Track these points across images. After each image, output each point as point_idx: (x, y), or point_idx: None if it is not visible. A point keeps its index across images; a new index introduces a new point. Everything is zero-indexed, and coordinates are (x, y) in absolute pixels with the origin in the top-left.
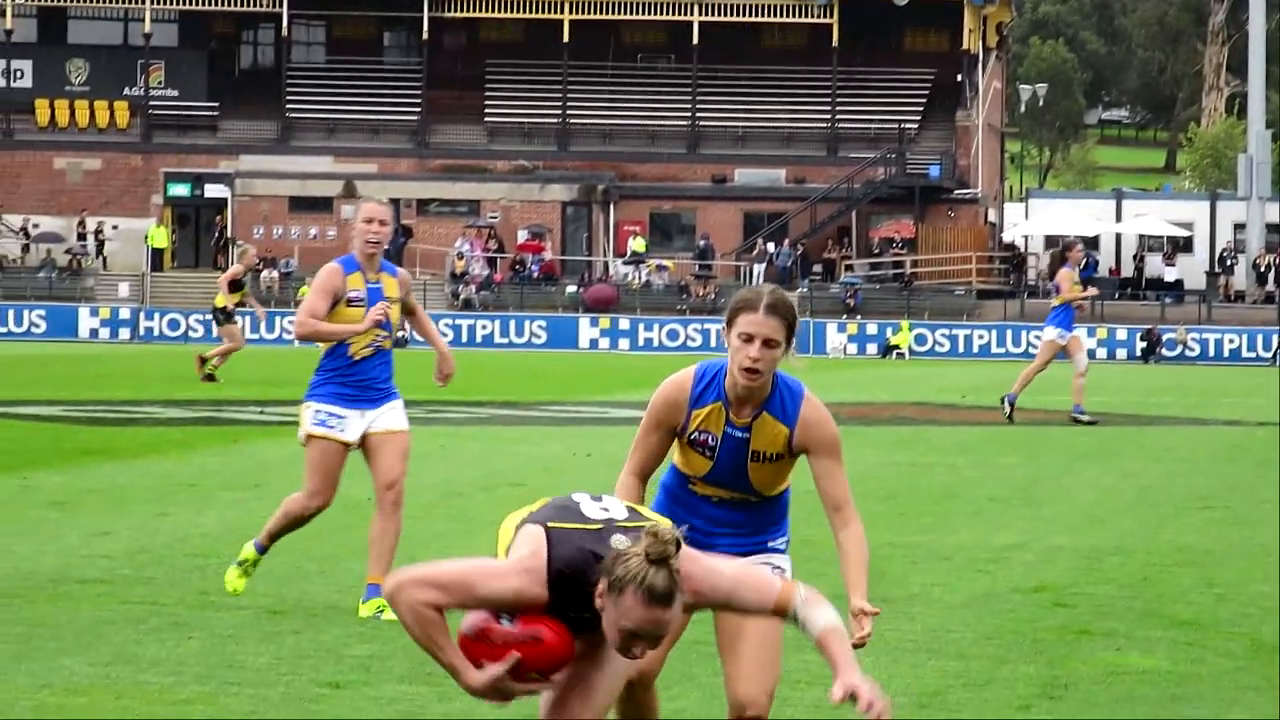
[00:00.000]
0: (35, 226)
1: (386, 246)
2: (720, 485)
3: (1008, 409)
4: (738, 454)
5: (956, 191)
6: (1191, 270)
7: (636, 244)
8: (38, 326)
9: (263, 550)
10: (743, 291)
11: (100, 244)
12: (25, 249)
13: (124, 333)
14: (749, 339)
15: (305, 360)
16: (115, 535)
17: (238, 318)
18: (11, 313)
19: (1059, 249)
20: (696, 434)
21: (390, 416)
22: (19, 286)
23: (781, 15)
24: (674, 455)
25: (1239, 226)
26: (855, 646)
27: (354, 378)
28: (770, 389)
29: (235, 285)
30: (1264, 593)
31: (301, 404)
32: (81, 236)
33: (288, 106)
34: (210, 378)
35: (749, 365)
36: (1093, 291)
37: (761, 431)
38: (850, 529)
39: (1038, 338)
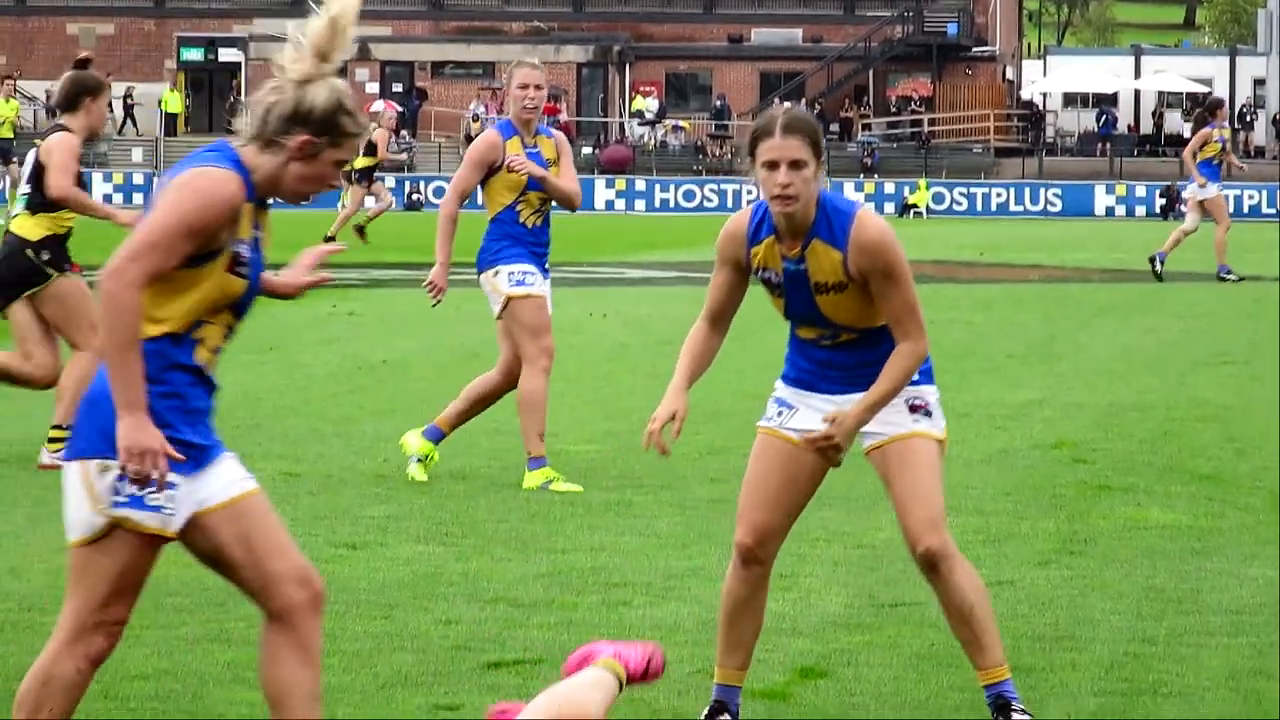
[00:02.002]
0: (50, 95)
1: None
2: (807, 323)
3: (1234, 278)
4: (801, 288)
5: (974, 49)
6: None
7: (639, 103)
8: None
9: (439, 439)
10: (757, 120)
11: (130, 109)
12: (50, 114)
13: (138, 198)
14: (773, 165)
15: (325, 226)
16: None
17: (379, 178)
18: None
19: (1204, 107)
20: (761, 272)
21: (547, 293)
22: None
23: None
24: None
25: (1259, 82)
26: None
27: (533, 241)
28: (815, 214)
29: (371, 149)
30: None
31: (483, 274)
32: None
33: None
34: (360, 230)
35: (779, 193)
36: (1201, 179)
37: (816, 260)
38: (899, 347)
39: (1056, 195)
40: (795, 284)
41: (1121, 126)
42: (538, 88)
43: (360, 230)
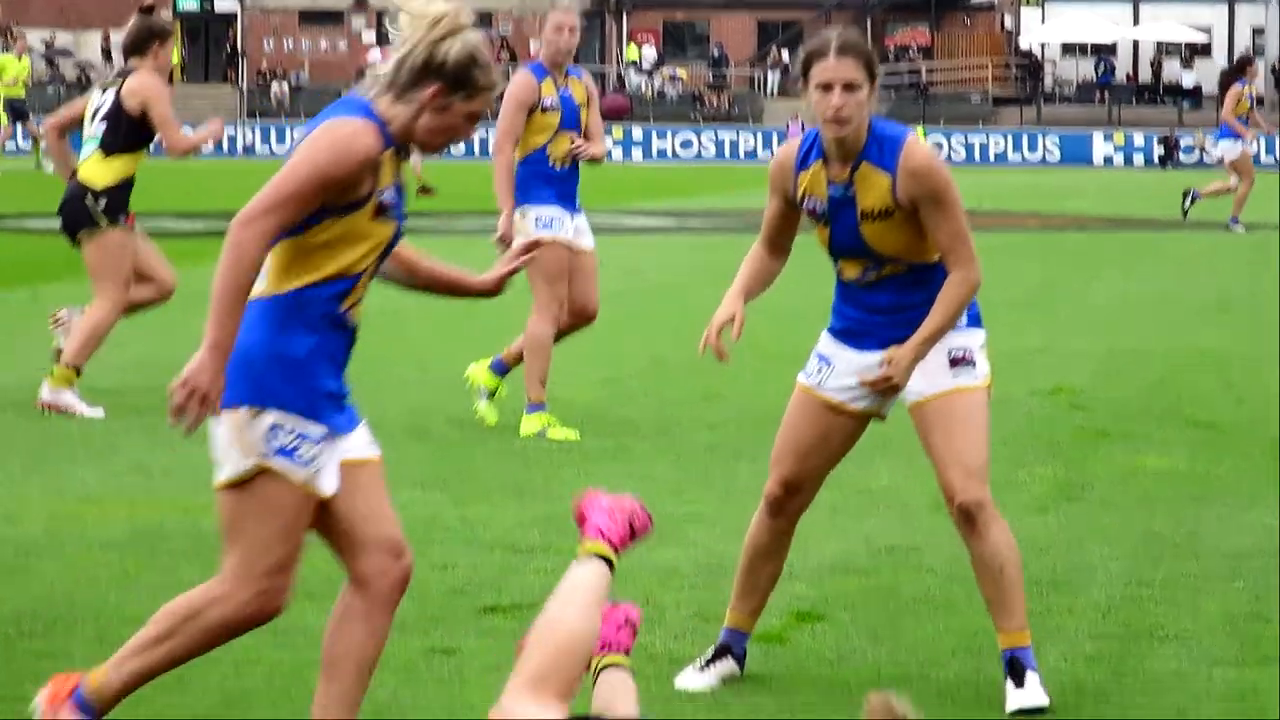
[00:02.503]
0: (51, 44)
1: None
2: (850, 255)
3: (1240, 229)
4: (847, 216)
5: None
6: (1209, 75)
7: (634, 53)
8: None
9: (504, 372)
10: (810, 42)
11: None
12: (50, 62)
13: None
14: (827, 87)
15: None
16: (126, 346)
17: None
18: (19, 128)
19: (1235, 64)
20: (805, 201)
21: (586, 232)
22: (28, 103)
23: None
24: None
25: (1257, 31)
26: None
27: (562, 182)
28: (866, 138)
29: None
30: None
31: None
32: (107, 53)
33: None
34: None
35: (832, 115)
36: (1251, 131)
37: (864, 185)
38: (950, 277)
39: (1054, 144)
40: (841, 211)
41: (1120, 75)
42: (571, 30)
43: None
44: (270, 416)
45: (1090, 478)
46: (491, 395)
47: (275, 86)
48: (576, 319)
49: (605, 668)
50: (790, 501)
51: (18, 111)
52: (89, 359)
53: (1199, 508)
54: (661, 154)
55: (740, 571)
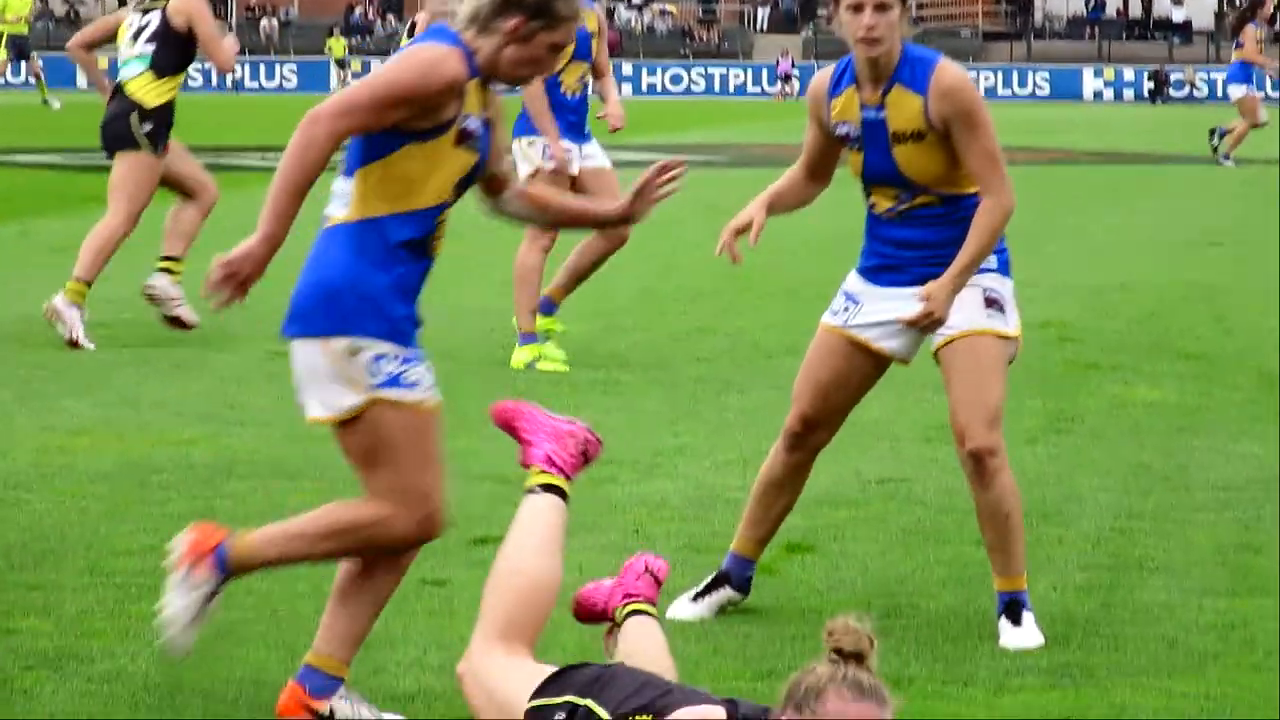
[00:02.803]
0: None
1: None
2: (882, 182)
3: (1230, 164)
4: (879, 139)
5: None
6: (1200, 10)
7: None
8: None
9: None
10: None
11: None
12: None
13: None
14: (858, 8)
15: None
16: (116, 280)
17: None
18: (23, 64)
19: (1247, 4)
20: (838, 127)
21: (599, 154)
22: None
23: None
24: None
25: None
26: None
27: (572, 111)
28: (897, 61)
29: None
30: (1271, 327)
31: (517, 139)
32: None
33: None
34: None
35: (864, 35)
36: (1274, 64)
37: (895, 107)
38: (983, 204)
39: (1044, 79)
40: (873, 135)
41: (1110, 10)
42: None
43: None
44: (369, 349)
45: (1080, 410)
46: (546, 338)
47: (264, 22)
48: (612, 241)
49: (631, 614)
50: (808, 437)
51: (20, 49)
52: (98, 274)
53: (1189, 439)
54: (651, 89)
55: (751, 500)
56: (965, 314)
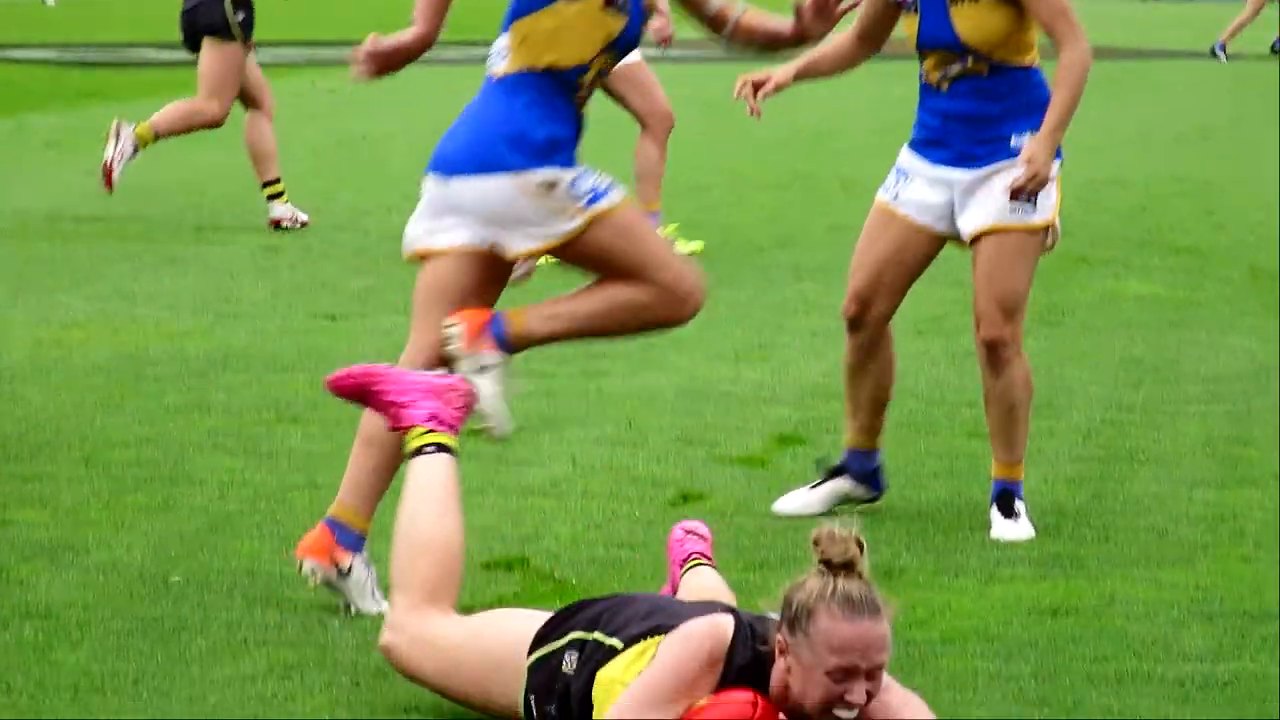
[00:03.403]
0: None
1: None
2: (935, 47)
3: (1223, 59)
4: (937, 2)
5: None
6: None
7: None
8: None
9: None
10: None
11: None
12: None
13: None
14: None
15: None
16: None
17: None
18: None
19: None
20: None
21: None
22: None
23: None
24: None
25: None
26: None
27: None
28: None
29: None
30: (1262, 221)
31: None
32: None
33: None
34: None
35: None
36: None
37: None
38: (1060, 57)
39: None
40: None
41: None
42: None
43: None
44: (562, 177)
45: (1071, 303)
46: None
47: None
48: (665, 125)
49: (693, 568)
50: (864, 316)
51: None
52: (170, 135)
53: (1179, 332)
54: None
55: (845, 392)
56: (993, 207)
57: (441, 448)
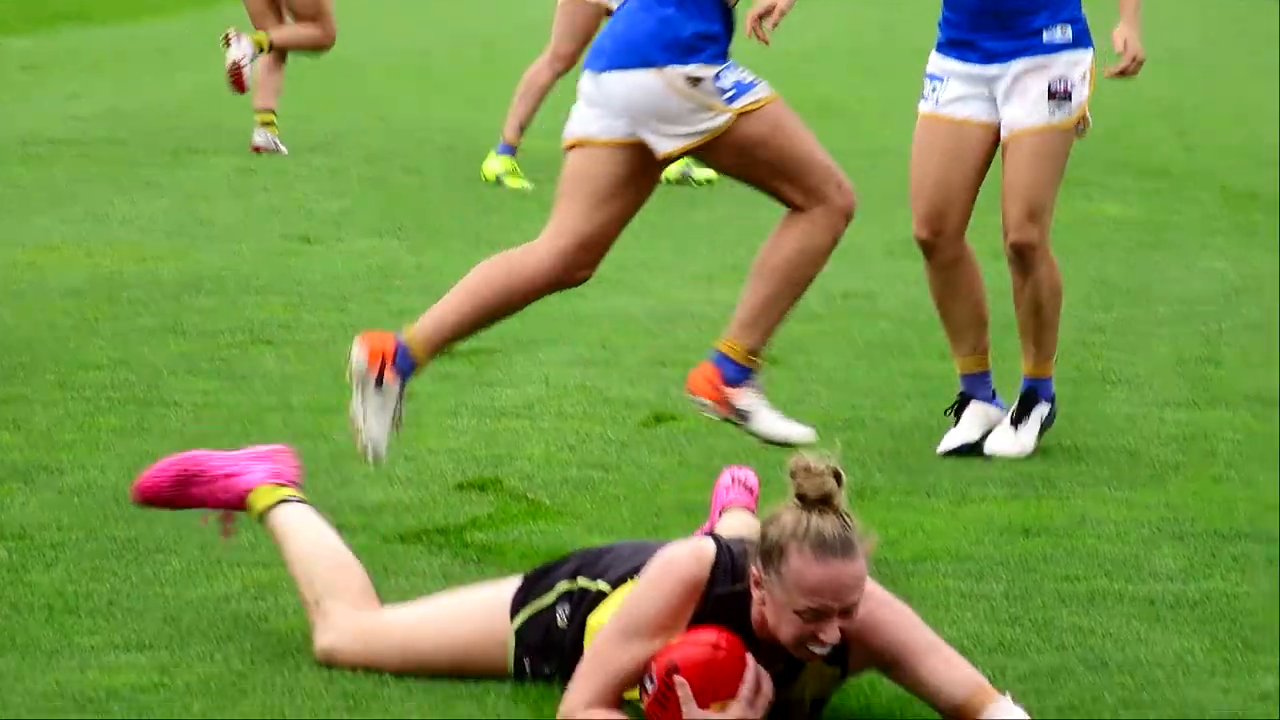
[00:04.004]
0: None
1: None
2: None
3: None
4: None
5: None
6: None
7: None
8: None
9: None
10: None
11: None
12: None
13: None
14: None
15: None
16: (87, 98)
17: None
18: None
19: None
20: None
21: None
22: None
23: None
24: None
25: None
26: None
27: None
28: None
29: None
30: (1234, 144)
31: None
32: None
33: None
34: None
35: None
36: None
37: None
38: None
39: None
40: None
41: None
42: None
43: None
44: (706, 72)
45: None
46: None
47: None
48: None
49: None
50: (938, 237)
51: None
52: (280, 49)
53: (1151, 254)
54: None
55: (942, 322)
56: (1027, 109)
57: (297, 500)
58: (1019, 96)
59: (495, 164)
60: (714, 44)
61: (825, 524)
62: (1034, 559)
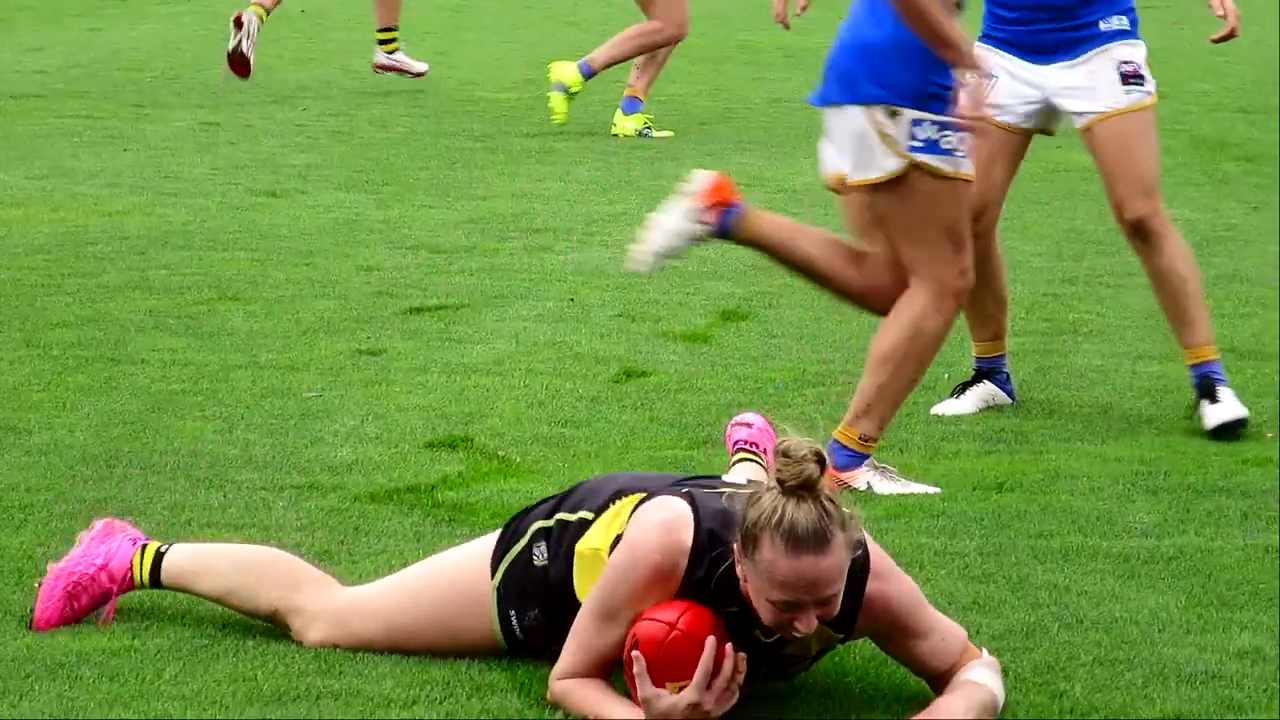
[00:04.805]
0: None
1: None
2: None
3: None
4: None
5: None
6: None
7: None
8: None
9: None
10: None
11: None
12: None
13: None
14: None
15: None
16: (49, 50)
17: None
18: None
19: None
20: None
21: None
22: None
23: None
24: None
25: None
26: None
27: None
28: None
29: None
30: (1204, 91)
31: None
32: None
33: None
34: None
35: None
36: None
37: None
38: None
39: None
40: None
41: None
42: None
43: None
44: (908, 113)
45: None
46: (569, 93)
47: None
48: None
49: (736, 464)
50: (975, 225)
51: None
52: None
53: None
54: None
55: (963, 308)
56: (1104, 94)
57: (166, 546)
58: (1089, 83)
59: (629, 123)
60: (940, 91)
61: (801, 515)
62: (1008, 515)
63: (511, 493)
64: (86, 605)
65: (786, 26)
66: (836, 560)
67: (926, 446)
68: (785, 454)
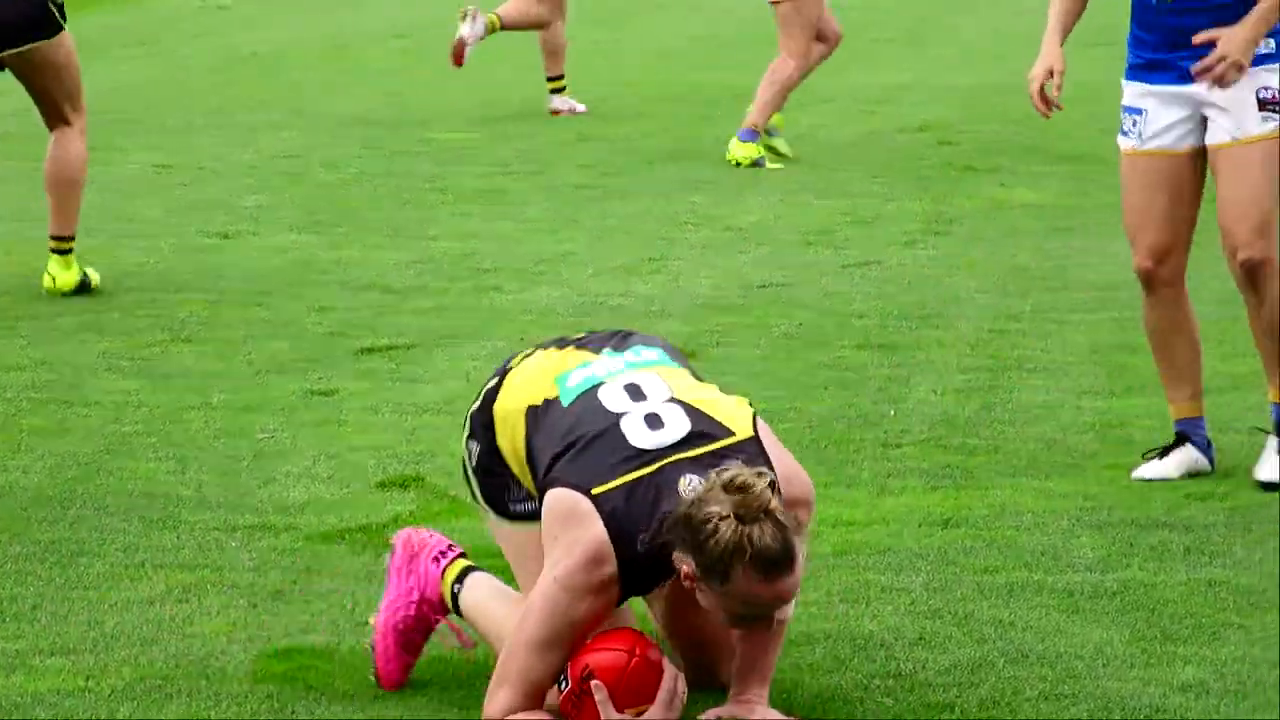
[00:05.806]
0: None
1: None
2: None
3: None
4: None
5: None
6: None
7: None
8: None
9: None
10: None
11: None
12: None
13: None
14: None
15: None
16: (3, 95)
17: None
18: None
19: None
20: None
21: None
22: None
23: None
24: None
25: None
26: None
27: None
28: None
29: None
30: None
31: None
32: None
33: None
34: None
35: None
36: None
37: None
38: None
39: None
40: None
41: None
42: None
43: None
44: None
45: (958, 212)
46: (767, 139)
47: None
48: (832, 44)
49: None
50: (1161, 270)
51: None
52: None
53: (1066, 239)
54: None
55: (1158, 364)
56: (1239, 121)
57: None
58: (1226, 109)
59: (745, 151)
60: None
61: (767, 539)
62: (954, 551)
63: (462, 532)
64: (421, 642)
65: (1056, 108)
66: (799, 569)
67: (873, 483)
68: (741, 488)
